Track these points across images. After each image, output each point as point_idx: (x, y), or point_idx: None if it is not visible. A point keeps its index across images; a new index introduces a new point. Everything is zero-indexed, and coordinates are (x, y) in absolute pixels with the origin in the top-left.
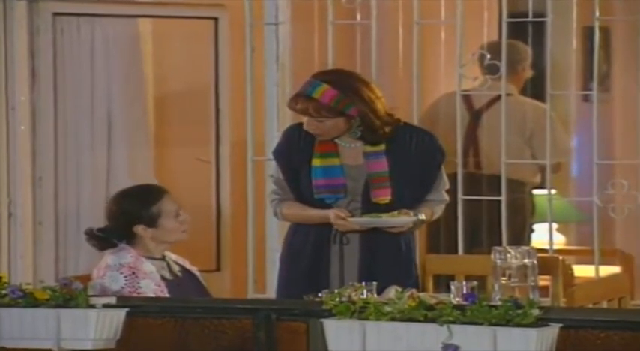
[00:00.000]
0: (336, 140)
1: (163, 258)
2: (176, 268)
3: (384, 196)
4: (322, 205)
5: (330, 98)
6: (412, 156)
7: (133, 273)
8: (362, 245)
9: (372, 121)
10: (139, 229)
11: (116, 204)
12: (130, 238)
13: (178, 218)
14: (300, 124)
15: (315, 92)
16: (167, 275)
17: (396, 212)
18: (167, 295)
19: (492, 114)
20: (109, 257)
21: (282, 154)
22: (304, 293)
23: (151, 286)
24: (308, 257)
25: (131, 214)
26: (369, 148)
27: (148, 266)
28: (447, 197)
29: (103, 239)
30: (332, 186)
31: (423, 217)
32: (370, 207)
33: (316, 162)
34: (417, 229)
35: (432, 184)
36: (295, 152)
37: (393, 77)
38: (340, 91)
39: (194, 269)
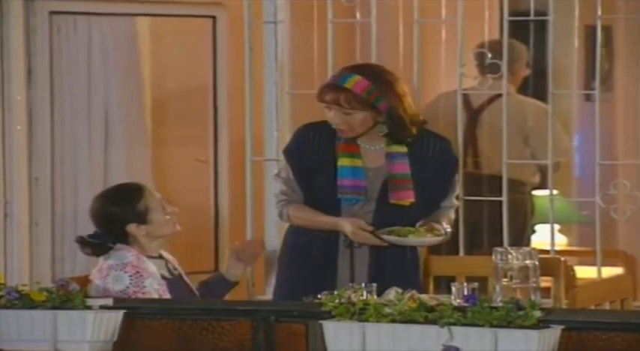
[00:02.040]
0: (359, 142)
1: (161, 257)
2: (172, 268)
3: (406, 198)
4: (337, 206)
5: (362, 89)
6: (429, 160)
7: (138, 272)
8: (371, 249)
9: (401, 117)
10: (132, 227)
11: (100, 207)
12: (124, 239)
13: (165, 210)
14: (311, 125)
15: (347, 82)
16: (167, 274)
17: (422, 229)
18: (168, 294)
19: (490, 113)
20: (108, 257)
21: (294, 153)
22: (308, 289)
23: (154, 285)
24: (316, 260)
25: (119, 214)
26: (393, 149)
27: (150, 265)
28: (456, 203)
29: (97, 245)
30: (356, 187)
31: (450, 230)
32: (387, 208)
33: (344, 161)
34: (444, 241)
35: (445, 190)
36: (308, 152)
37: None
38: (373, 83)
39: (182, 271)
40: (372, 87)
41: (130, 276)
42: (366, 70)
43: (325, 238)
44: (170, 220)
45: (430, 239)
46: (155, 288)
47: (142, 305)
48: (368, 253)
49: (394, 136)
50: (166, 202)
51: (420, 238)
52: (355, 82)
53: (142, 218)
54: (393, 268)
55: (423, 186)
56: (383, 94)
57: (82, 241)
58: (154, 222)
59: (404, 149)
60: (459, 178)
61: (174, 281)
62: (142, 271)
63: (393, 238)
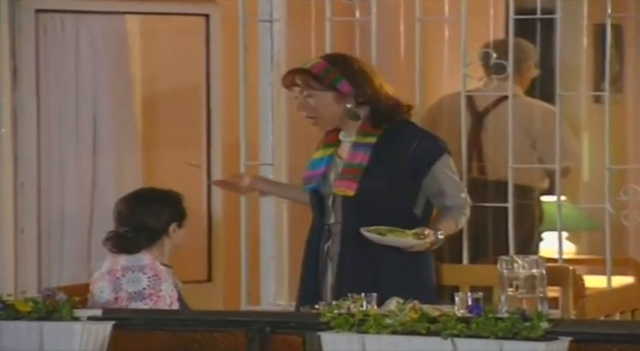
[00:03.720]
0: (340, 136)
1: (169, 266)
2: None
3: (346, 189)
4: (321, 202)
5: (319, 69)
6: (403, 154)
7: (156, 275)
8: (342, 242)
9: (373, 96)
10: (172, 227)
11: (149, 202)
12: (154, 240)
13: None
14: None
15: (307, 65)
16: (176, 284)
17: (410, 232)
18: (177, 303)
19: (496, 116)
20: (122, 259)
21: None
22: (306, 294)
23: (169, 290)
24: (306, 257)
25: (168, 210)
26: (360, 139)
27: (164, 270)
28: (465, 199)
29: (134, 241)
30: (311, 177)
31: (441, 235)
32: (352, 205)
33: (316, 154)
34: (436, 247)
35: (442, 189)
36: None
37: (394, 77)
38: (330, 64)
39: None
40: (330, 67)
41: (149, 278)
42: (332, 55)
43: (311, 234)
44: None
45: (410, 241)
46: (169, 293)
47: (132, 316)
48: (338, 251)
49: (373, 119)
50: None
51: (398, 238)
52: (314, 63)
53: (182, 220)
54: (365, 267)
55: (390, 180)
56: (343, 73)
57: (120, 236)
58: (183, 229)
59: (372, 140)
60: (465, 182)
61: (179, 291)
62: (160, 274)
63: (371, 236)
